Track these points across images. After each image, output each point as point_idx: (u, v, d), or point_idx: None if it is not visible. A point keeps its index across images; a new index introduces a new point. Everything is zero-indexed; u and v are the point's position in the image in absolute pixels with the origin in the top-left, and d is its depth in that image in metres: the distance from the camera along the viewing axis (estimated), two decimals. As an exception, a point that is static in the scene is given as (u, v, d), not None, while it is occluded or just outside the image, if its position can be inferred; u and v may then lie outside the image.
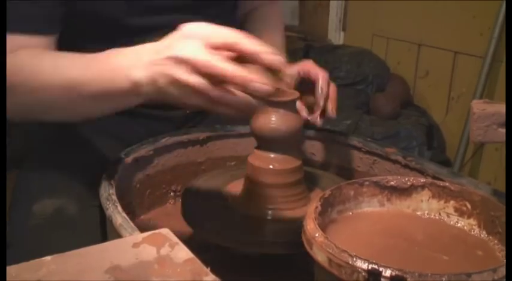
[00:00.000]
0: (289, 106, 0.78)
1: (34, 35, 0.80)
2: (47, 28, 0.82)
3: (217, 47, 0.60)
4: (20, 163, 0.96)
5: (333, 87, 0.92)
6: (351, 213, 0.68)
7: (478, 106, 0.71)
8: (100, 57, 0.71)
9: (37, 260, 0.48)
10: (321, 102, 0.88)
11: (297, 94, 0.79)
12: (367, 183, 0.69)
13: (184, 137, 0.96)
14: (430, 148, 1.91)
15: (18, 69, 0.76)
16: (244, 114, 0.64)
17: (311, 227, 0.58)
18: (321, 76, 0.89)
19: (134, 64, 0.65)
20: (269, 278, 0.81)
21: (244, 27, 1.12)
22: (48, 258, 0.49)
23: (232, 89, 0.60)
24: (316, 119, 0.88)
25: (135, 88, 0.65)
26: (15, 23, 0.77)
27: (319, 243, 0.55)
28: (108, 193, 0.75)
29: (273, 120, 0.77)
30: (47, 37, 0.82)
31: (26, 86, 0.76)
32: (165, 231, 0.55)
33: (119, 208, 0.72)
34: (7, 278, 0.45)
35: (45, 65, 0.75)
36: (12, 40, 0.77)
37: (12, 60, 0.75)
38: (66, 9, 0.84)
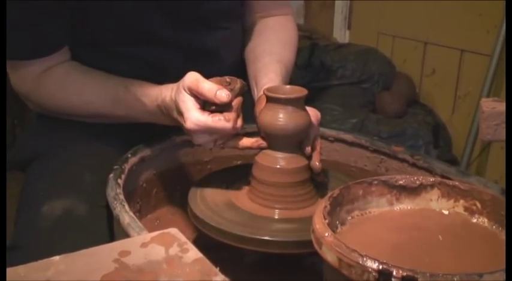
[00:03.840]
0: (298, 103, 0.77)
1: (51, 56, 0.91)
2: (60, 46, 0.92)
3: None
4: (27, 165, 0.96)
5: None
6: (359, 212, 0.67)
7: (487, 105, 0.71)
8: (126, 101, 0.88)
9: (46, 260, 0.48)
10: (318, 148, 0.85)
11: (305, 91, 0.78)
12: (375, 182, 0.68)
13: (190, 136, 0.95)
14: (436, 147, 1.90)
15: (47, 100, 0.93)
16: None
17: (320, 226, 0.57)
18: (315, 121, 0.84)
19: (161, 115, 0.85)
20: (277, 278, 0.80)
21: (252, 34, 1.10)
22: (56, 258, 0.49)
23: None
24: (318, 165, 0.84)
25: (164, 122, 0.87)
26: (29, 52, 0.89)
27: (329, 243, 0.54)
28: (115, 192, 0.75)
29: (280, 118, 0.76)
30: (62, 50, 0.93)
31: (57, 112, 0.94)
32: (174, 231, 0.54)
33: (126, 207, 0.71)
34: (16, 278, 0.45)
35: (72, 101, 0.92)
36: (34, 64, 0.90)
37: (38, 89, 0.92)
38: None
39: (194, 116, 0.76)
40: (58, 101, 0.92)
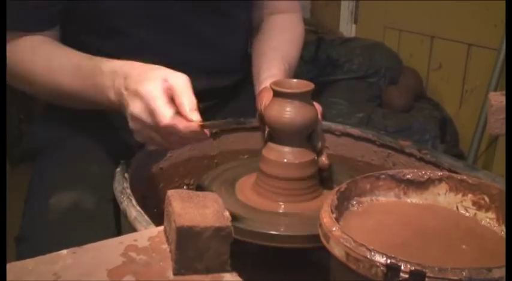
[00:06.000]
0: (304, 97, 0.77)
1: (35, 33, 0.88)
2: (46, 26, 0.89)
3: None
4: (36, 156, 0.96)
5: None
6: (367, 206, 0.67)
7: (495, 98, 0.70)
8: (85, 70, 0.82)
9: (53, 253, 0.48)
10: (324, 144, 0.85)
11: (311, 85, 0.78)
12: (383, 176, 0.68)
13: (197, 131, 0.95)
14: (443, 141, 1.89)
15: (16, 62, 0.87)
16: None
17: (328, 220, 0.57)
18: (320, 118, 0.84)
19: (110, 86, 0.77)
20: (283, 272, 0.80)
21: (259, 32, 1.10)
22: (64, 251, 0.49)
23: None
24: (326, 161, 0.83)
25: (110, 105, 0.79)
26: (16, 22, 0.85)
27: (336, 237, 0.54)
28: (122, 186, 0.75)
29: (287, 112, 0.76)
30: (48, 32, 0.90)
31: (22, 79, 0.88)
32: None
33: (133, 201, 0.71)
34: (24, 272, 0.45)
35: (38, 66, 0.86)
36: (15, 35, 0.85)
37: (13, 50, 0.86)
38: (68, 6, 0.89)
39: (168, 114, 0.69)
40: (25, 64, 0.87)
